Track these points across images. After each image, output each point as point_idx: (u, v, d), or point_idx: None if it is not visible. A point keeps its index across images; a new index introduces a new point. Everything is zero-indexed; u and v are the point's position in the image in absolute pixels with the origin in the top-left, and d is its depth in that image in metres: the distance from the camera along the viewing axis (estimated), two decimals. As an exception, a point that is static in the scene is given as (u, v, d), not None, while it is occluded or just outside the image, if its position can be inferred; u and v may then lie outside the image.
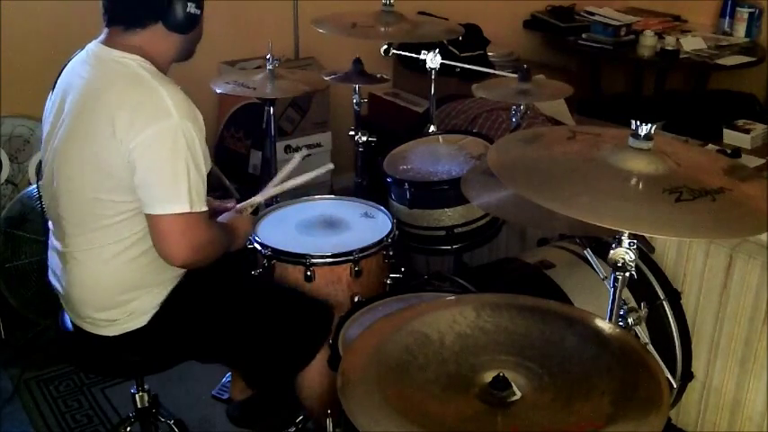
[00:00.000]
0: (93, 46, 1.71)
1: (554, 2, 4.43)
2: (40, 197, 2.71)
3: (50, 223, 1.81)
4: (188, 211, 1.60)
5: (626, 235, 1.35)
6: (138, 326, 1.78)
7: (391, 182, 2.27)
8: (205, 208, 1.65)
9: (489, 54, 3.78)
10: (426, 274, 2.42)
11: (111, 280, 1.72)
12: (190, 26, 1.69)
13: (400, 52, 2.64)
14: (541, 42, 4.44)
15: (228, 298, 1.85)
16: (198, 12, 1.68)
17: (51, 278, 1.87)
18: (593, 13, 4.30)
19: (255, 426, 2.33)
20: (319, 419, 1.95)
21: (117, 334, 1.78)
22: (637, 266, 1.37)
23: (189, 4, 1.65)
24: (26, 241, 2.72)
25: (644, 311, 1.54)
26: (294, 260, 1.97)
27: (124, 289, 1.71)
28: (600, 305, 1.65)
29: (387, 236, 2.07)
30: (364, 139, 2.62)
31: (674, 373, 2.08)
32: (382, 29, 2.54)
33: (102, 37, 1.71)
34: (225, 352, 1.91)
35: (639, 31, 4.09)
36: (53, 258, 1.83)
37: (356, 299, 1.98)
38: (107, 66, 1.66)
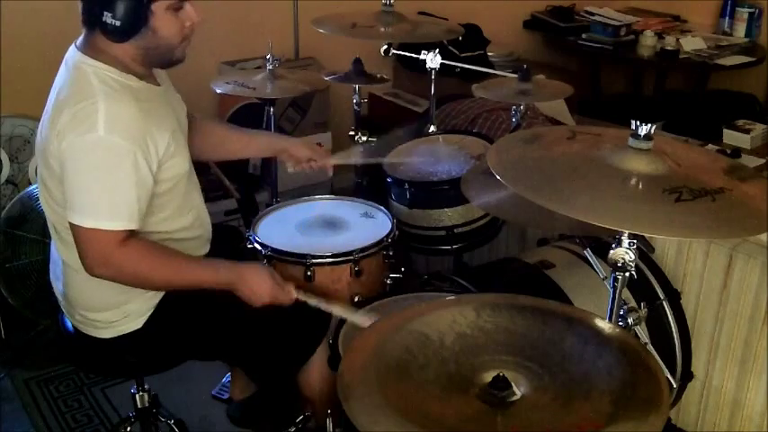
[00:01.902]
0: (71, 49, 1.72)
1: (554, 2, 4.44)
2: (40, 197, 2.72)
3: None
4: (80, 224, 1.59)
5: (626, 235, 1.35)
6: (135, 328, 1.78)
7: (391, 182, 2.27)
8: (120, 227, 1.60)
9: (489, 54, 3.78)
10: (426, 274, 2.42)
11: (104, 282, 1.71)
12: (115, 35, 1.63)
13: (400, 52, 2.64)
14: (541, 42, 4.44)
15: (225, 296, 1.84)
16: (116, 23, 1.60)
17: (52, 278, 1.88)
18: (593, 14, 4.31)
19: (255, 426, 2.33)
20: (319, 419, 1.95)
21: (114, 336, 1.78)
22: (637, 266, 1.37)
23: (105, 13, 1.60)
24: (26, 241, 2.72)
25: (644, 311, 1.54)
26: (294, 260, 1.97)
27: (117, 291, 1.72)
28: (600, 305, 1.65)
29: (387, 236, 2.07)
30: (364, 138, 2.61)
31: (673, 373, 2.08)
32: (382, 29, 2.54)
33: (78, 40, 1.71)
34: (223, 349, 1.90)
35: (639, 31, 4.09)
36: (53, 259, 1.85)
37: (356, 299, 1.98)
38: (71, 71, 1.67)
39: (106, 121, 1.57)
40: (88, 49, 1.67)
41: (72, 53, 1.70)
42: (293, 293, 1.79)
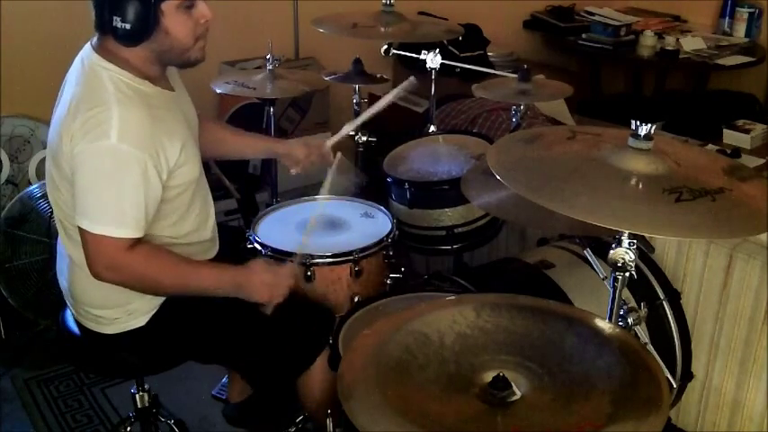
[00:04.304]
0: (86, 48, 1.71)
1: (554, 2, 4.44)
2: (41, 197, 2.72)
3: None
4: (88, 229, 1.60)
5: (626, 235, 1.35)
6: (139, 325, 1.79)
7: (391, 182, 2.27)
8: (127, 235, 1.61)
9: (489, 54, 3.78)
10: (426, 274, 2.42)
11: None
12: (127, 40, 1.62)
13: (400, 52, 2.64)
14: (541, 42, 4.44)
15: (229, 299, 1.85)
16: (126, 26, 1.59)
17: (57, 273, 1.89)
18: (593, 13, 4.31)
19: (251, 426, 2.33)
20: (319, 419, 1.94)
21: (117, 332, 1.79)
22: (637, 266, 1.37)
23: (115, 18, 1.59)
24: (26, 241, 2.72)
25: (644, 311, 1.54)
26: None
27: (121, 289, 1.71)
28: (600, 305, 1.65)
29: (387, 236, 2.06)
30: (364, 139, 2.62)
31: (673, 373, 2.08)
32: (382, 29, 2.54)
33: (93, 39, 1.71)
34: (225, 353, 1.91)
35: (639, 31, 4.09)
36: (59, 254, 1.86)
37: (356, 299, 1.98)
38: (86, 72, 1.66)
39: (119, 129, 1.57)
40: (103, 51, 1.66)
41: (87, 52, 1.69)
42: (294, 269, 1.81)
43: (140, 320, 1.79)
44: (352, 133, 2.63)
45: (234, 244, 2.06)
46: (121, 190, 1.60)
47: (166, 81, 1.77)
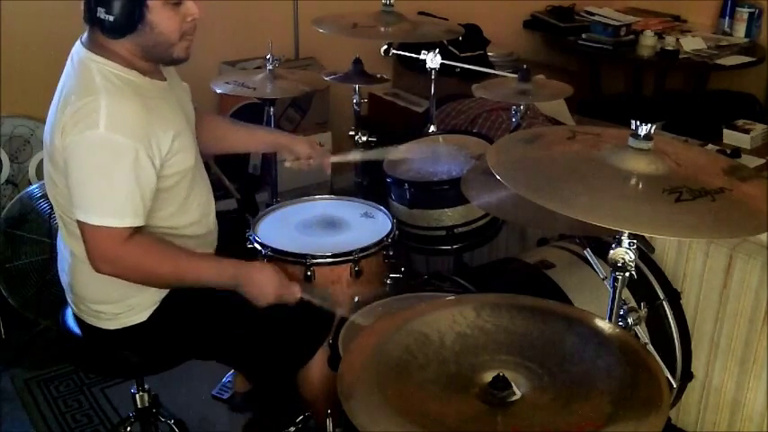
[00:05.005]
0: (77, 45, 1.72)
1: (554, 2, 4.44)
2: (41, 197, 2.72)
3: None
4: (85, 221, 1.60)
5: (626, 235, 1.35)
6: (139, 321, 1.79)
7: (391, 182, 2.27)
8: (126, 224, 1.61)
9: (489, 54, 3.78)
10: (426, 274, 2.42)
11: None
12: (112, 32, 1.63)
13: (400, 52, 2.64)
14: (541, 42, 4.45)
15: (229, 294, 1.85)
16: (110, 17, 1.60)
17: (59, 270, 1.89)
18: (592, 14, 4.31)
19: (257, 413, 2.33)
20: (319, 419, 1.95)
21: (118, 327, 1.79)
22: (637, 266, 1.37)
23: (100, 9, 1.60)
24: (26, 241, 2.72)
25: (644, 311, 1.53)
26: (294, 260, 1.97)
27: (122, 283, 1.72)
28: (600, 305, 1.65)
29: (387, 236, 2.06)
30: (364, 139, 2.61)
31: (673, 373, 2.08)
32: (382, 29, 2.54)
33: (83, 36, 1.72)
34: (225, 349, 1.90)
35: (639, 31, 4.10)
36: (59, 251, 1.86)
37: (356, 299, 1.98)
38: (76, 67, 1.67)
39: (107, 119, 1.57)
40: (92, 45, 1.68)
41: (77, 49, 1.70)
42: (298, 293, 1.80)
43: (141, 316, 1.79)
44: (352, 133, 2.64)
45: (233, 234, 2.06)
46: (115, 179, 1.60)
47: (159, 73, 1.77)
